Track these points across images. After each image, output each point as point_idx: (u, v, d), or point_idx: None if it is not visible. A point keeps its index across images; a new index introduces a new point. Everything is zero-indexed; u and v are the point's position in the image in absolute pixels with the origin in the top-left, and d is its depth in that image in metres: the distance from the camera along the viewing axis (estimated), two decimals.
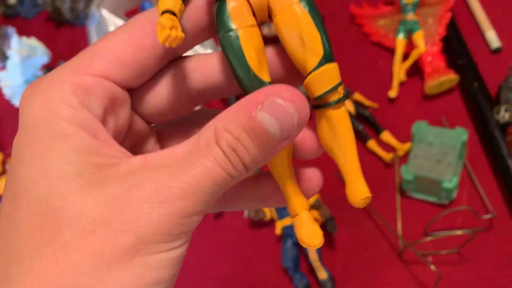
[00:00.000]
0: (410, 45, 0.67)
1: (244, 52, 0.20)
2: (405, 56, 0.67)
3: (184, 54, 0.23)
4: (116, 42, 0.20)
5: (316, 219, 0.60)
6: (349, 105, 0.66)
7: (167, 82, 0.22)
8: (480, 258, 0.56)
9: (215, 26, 0.21)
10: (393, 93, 0.66)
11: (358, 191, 0.21)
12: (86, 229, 0.17)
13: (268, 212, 0.62)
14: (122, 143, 0.21)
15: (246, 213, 0.65)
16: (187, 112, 0.24)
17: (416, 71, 0.68)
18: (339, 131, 0.21)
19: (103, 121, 0.20)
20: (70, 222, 0.17)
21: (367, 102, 0.67)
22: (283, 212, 0.61)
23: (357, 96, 0.67)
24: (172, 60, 0.22)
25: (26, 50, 0.71)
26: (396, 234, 0.58)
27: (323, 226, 0.61)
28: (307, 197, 0.23)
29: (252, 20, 0.21)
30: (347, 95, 0.20)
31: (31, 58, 0.72)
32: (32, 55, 0.72)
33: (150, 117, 0.23)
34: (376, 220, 0.61)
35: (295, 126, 0.19)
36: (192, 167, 0.18)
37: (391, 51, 0.70)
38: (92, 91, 0.20)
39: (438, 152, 0.57)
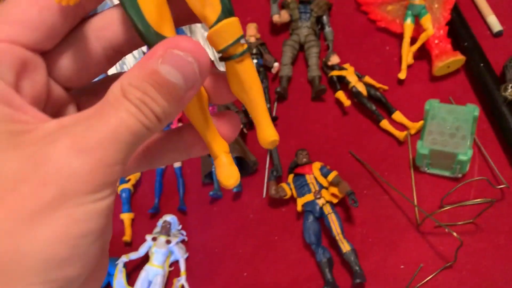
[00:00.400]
0: (417, 30, 0.70)
1: (141, 8, 0.20)
2: (412, 40, 0.70)
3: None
4: (20, 4, 0.20)
5: (336, 196, 0.62)
6: (361, 87, 0.68)
7: (80, 42, 0.22)
8: (495, 227, 0.59)
9: None
10: (402, 75, 0.69)
11: (266, 134, 0.23)
12: (6, 188, 0.17)
13: (289, 191, 0.64)
14: (43, 111, 0.21)
15: (264, 193, 0.67)
16: (105, 72, 0.24)
17: (422, 54, 0.71)
18: (244, 81, 0.22)
19: (17, 87, 0.20)
20: None
21: (377, 84, 0.69)
22: (303, 189, 0.62)
23: (368, 79, 0.70)
24: (83, 18, 0.22)
25: None
26: (414, 205, 0.61)
27: (343, 201, 0.63)
28: (228, 140, 0.24)
29: None
30: (250, 47, 0.20)
31: None
32: None
33: (68, 82, 0.22)
34: (392, 195, 0.63)
35: (197, 74, 0.19)
36: (106, 118, 0.18)
37: (398, 36, 0.73)
38: (3, 58, 0.19)
39: (452, 127, 0.60)
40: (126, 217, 0.68)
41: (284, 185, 0.64)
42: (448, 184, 0.62)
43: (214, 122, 0.24)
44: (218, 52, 0.21)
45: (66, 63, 0.22)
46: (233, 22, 0.21)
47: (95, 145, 0.18)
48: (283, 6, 0.76)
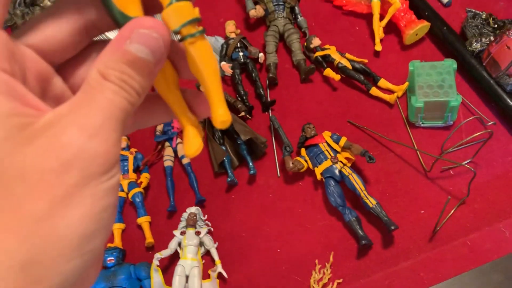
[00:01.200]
0: (381, 7, 0.77)
1: None
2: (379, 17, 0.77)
3: None
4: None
5: (349, 159, 0.65)
6: (345, 62, 0.74)
7: (61, 16, 0.23)
8: (490, 161, 0.66)
9: None
10: (378, 47, 0.76)
11: (219, 114, 0.24)
12: (33, 179, 0.19)
13: (304, 163, 0.66)
14: (32, 88, 0.23)
15: (278, 171, 0.69)
16: (86, 45, 0.25)
17: (388, 29, 0.78)
18: (198, 62, 0.23)
19: (12, 73, 0.21)
20: (17, 178, 0.19)
21: (358, 59, 0.75)
22: (318, 158, 0.65)
23: (348, 55, 0.76)
24: None
25: None
26: (422, 153, 0.66)
27: (354, 164, 0.67)
28: (200, 117, 0.26)
29: None
30: (204, 30, 0.23)
31: None
32: None
33: (52, 55, 0.24)
34: (396, 151, 0.68)
35: (163, 47, 0.22)
36: (98, 102, 0.20)
37: (364, 16, 0.81)
38: None
39: (437, 80, 0.67)
40: (144, 220, 0.66)
41: (299, 158, 0.66)
42: (442, 133, 0.69)
43: (191, 99, 0.26)
44: (173, 32, 0.23)
45: (50, 35, 0.23)
46: (183, 5, 0.22)
47: (99, 128, 0.20)
48: (257, 1, 0.81)
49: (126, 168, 0.69)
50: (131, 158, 0.70)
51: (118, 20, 0.22)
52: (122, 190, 0.69)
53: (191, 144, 0.25)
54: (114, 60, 0.21)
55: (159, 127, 0.73)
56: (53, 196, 0.19)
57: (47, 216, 0.18)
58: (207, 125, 0.72)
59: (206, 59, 0.23)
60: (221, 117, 0.24)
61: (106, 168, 0.20)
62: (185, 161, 0.71)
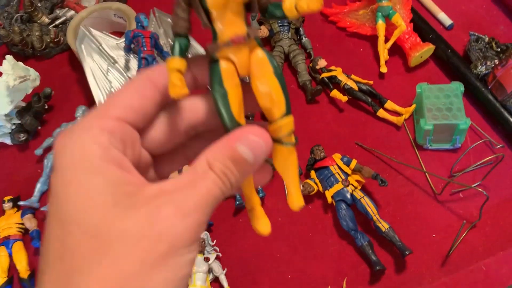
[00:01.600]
0: (386, 29, 0.78)
1: (231, 106, 0.27)
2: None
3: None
4: (126, 93, 0.27)
5: (359, 181, 0.65)
6: (352, 84, 0.74)
7: (168, 120, 0.29)
8: (499, 184, 0.66)
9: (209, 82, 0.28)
10: (383, 69, 0.76)
11: (296, 200, 0.30)
12: (130, 242, 0.22)
13: (315, 185, 0.65)
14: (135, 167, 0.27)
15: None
16: (182, 143, 0.30)
17: (392, 51, 0.79)
18: (287, 161, 0.29)
19: (124, 154, 0.25)
20: (117, 239, 0.22)
21: (363, 80, 0.75)
22: (329, 181, 0.64)
23: (354, 77, 0.75)
24: (168, 103, 0.29)
25: (19, 73, 0.65)
26: (431, 176, 0.66)
27: (364, 186, 0.66)
28: (260, 184, 0.31)
29: (237, 81, 0.27)
30: (296, 140, 0.29)
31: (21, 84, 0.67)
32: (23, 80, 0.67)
33: (154, 150, 0.29)
34: (405, 174, 0.68)
35: (264, 154, 0.26)
36: (198, 188, 0.24)
37: (367, 38, 0.81)
38: (114, 131, 0.25)
39: (446, 102, 0.67)
40: None
41: (308, 181, 0.65)
42: (450, 155, 0.69)
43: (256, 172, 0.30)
44: (274, 138, 0.28)
45: (156, 136, 0.28)
46: (290, 120, 0.28)
47: (192, 211, 0.23)
48: (261, 22, 0.80)
49: None
50: None
51: (227, 125, 0.27)
52: None
53: (263, 223, 0.30)
54: (222, 155, 0.25)
55: None
56: (145, 259, 0.22)
57: (138, 275, 0.22)
58: None
59: (292, 160, 0.29)
60: (300, 203, 0.30)
61: (189, 244, 0.23)
62: None
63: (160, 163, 0.30)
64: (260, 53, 0.28)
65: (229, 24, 0.27)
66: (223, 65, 0.27)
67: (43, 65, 0.83)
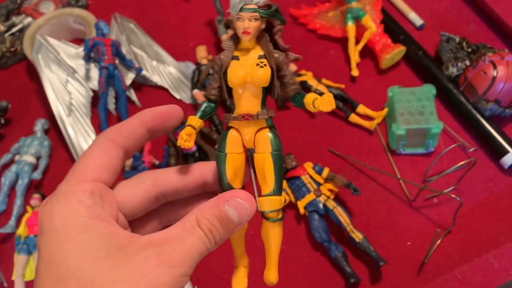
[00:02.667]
0: (356, 31, 0.76)
1: (226, 169, 0.31)
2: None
3: None
4: (95, 156, 0.30)
5: (332, 190, 0.63)
6: (323, 89, 0.72)
7: (141, 187, 0.32)
8: (472, 188, 0.65)
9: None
10: (355, 72, 0.74)
11: (270, 276, 0.33)
12: None
13: (287, 196, 0.63)
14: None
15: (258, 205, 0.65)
16: (151, 208, 0.34)
17: (363, 53, 0.77)
18: (269, 235, 0.33)
19: (105, 211, 0.29)
20: (109, 286, 0.25)
21: (334, 84, 0.73)
22: (301, 191, 0.62)
23: (325, 81, 0.73)
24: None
25: None
26: (405, 182, 0.64)
27: (337, 195, 0.64)
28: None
29: (239, 149, 0.32)
30: (282, 218, 0.32)
31: None
32: None
33: (127, 213, 0.32)
34: (378, 181, 0.66)
35: (248, 216, 0.30)
36: (185, 242, 0.27)
37: (339, 40, 0.79)
38: (94, 192, 0.28)
39: (418, 106, 0.66)
40: None
41: None
42: (423, 160, 0.67)
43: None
44: (260, 212, 0.32)
45: (127, 200, 0.32)
46: (275, 200, 0.32)
47: (178, 264, 0.26)
48: (228, 26, 0.77)
49: None
50: None
51: (220, 185, 0.31)
52: None
53: (240, 283, 0.33)
54: (210, 214, 0.28)
55: (128, 162, 0.68)
56: None
57: None
58: (180, 157, 0.68)
59: (276, 236, 0.33)
60: (272, 279, 0.33)
61: None
62: None
63: (136, 226, 0.33)
64: (265, 132, 0.32)
65: (245, 102, 0.31)
66: (231, 133, 0.32)
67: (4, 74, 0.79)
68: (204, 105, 0.33)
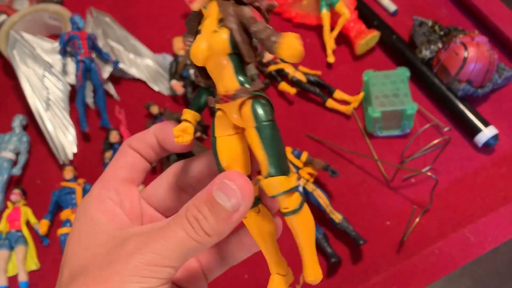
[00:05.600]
0: (331, 18, 0.77)
1: (218, 153, 0.27)
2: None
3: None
4: (121, 163, 0.31)
5: (311, 174, 0.64)
6: (300, 76, 0.73)
7: (168, 180, 0.32)
8: (448, 167, 0.67)
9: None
10: (330, 59, 0.75)
11: (310, 273, 0.28)
12: (115, 279, 0.25)
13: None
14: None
15: None
16: (176, 201, 0.32)
17: (338, 40, 0.78)
18: (300, 233, 0.27)
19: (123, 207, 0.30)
20: (109, 277, 0.25)
21: (311, 71, 0.74)
22: None
23: (302, 68, 0.74)
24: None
25: None
26: (382, 163, 0.65)
27: (316, 179, 0.65)
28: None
29: (230, 131, 0.28)
30: (304, 200, 0.27)
31: None
32: None
33: (157, 206, 0.32)
34: (356, 163, 0.68)
35: (240, 199, 0.25)
36: (166, 231, 0.26)
37: (314, 27, 0.80)
38: (109, 188, 0.30)
39: (392, 89, 0.67)
40: None
41: (259, 177, 0.64)
42: (400, 141, 0.69)
43: None
44: (272, 197, 0.26)
45: (154, 192, 0.32)
46: (277, 180, 0.26)
47: (150, 251, 0.25)
48: None
49: (74, 202, 0.64)
50: (79, 190, 0.65)
51: (218, 171, 0.28)
52: (71, 225, 0.63)
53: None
54: (199, 200, 0.26)
55: (108, 154, 0.68)
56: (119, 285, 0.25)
57: None
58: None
59: (307, 227, 0.27)
60: (312, 276, 0.27)
61: (138, 279, 0.25)
62: None
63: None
64: (246, 107, 0.26)
65: (219, 78, 0.27)
66: (218, 114, 0.28)
67: None
68: (200, 95, 0.29)
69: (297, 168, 0.64)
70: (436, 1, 0.82)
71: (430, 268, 0.57)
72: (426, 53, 0.72)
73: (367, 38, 0.74)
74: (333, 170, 0.62)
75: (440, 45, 0.72)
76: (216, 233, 0.25)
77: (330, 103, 0.71)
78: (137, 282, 0.25)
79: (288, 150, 0.65)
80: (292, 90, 0.71)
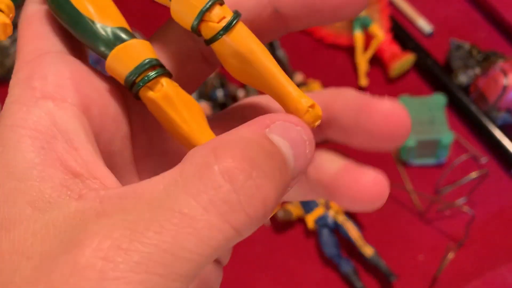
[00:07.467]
0: (365, 39, 0.75)
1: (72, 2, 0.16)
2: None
3: None
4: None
5: None
6: None
7: None
8: (485, 200, 0.64)
9: None
10: (363, 81, 0.73)
11: (302, 100, 0.17)
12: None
13: (294, 210, 0.62)
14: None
15: (268, 220, 0.64)
16: None
17: (372, 62, 0.76)
18: (247, 54, 0.16)
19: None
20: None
21: None
22: (310, 204, 0.61)
23: None
24: None
25: None
26: (416, 194, 0.63)
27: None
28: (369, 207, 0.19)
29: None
30: (237, 15, 0.16)
31: None
32: None
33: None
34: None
35: (307, 158, 0.16)
36: (172, 214, 0.12)
37: (346, 48, 0.78)
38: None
39: (428, 116, 0.65)
40: None
41: (288, 206, 0.62)
42: (434, 171, 0.66)
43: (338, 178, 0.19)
44: (195, 21, 0.17)
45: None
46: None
47: (135, 269, 0.12)
48: None
49: None
50: None
51: (98, 43, 0.17)
52: None
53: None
54: (247, 143, 0.14)
55: None
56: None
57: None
58: None
59: (255, 46, 0.17)
60: (307, 102, 0.17)
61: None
62: None
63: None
64: None
65: None
66: None
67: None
68: None
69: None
70: (474, 22, 0.79)
71: None
72: (463, 79, 0.69)
73: (401, 61, 0.71)
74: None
75: (477, 70, 0.69)
76: (272, 209, 0.15)
77: None
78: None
79: None
80: None
